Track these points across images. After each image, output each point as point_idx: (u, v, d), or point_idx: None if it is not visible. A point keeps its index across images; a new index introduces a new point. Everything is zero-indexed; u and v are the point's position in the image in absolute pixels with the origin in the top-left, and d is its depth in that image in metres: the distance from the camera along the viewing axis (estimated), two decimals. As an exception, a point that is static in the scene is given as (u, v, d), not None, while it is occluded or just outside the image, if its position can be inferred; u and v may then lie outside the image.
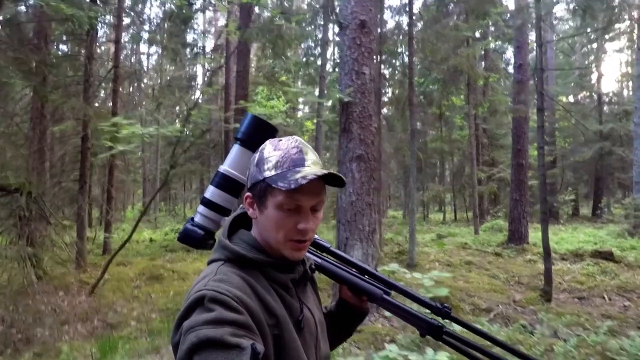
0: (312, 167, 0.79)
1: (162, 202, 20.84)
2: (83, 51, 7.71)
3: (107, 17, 9.66)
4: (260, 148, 0.84)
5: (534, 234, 11.80)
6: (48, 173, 7.56)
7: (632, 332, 3.74)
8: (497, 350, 0.93)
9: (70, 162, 8.30)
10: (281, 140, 0.84)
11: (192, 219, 1.01)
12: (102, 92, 13.98)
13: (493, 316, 4.63)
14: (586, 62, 22.05)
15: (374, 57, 4.27)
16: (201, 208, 1.00)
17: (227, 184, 0.98)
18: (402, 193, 24.95)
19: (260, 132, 0.98)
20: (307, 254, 0.93)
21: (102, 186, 15.21)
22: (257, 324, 0.69)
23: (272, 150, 0.81)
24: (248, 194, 0.83)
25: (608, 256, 8.11)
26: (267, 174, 0.78)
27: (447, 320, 0.95)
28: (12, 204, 5.12)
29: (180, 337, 0.67)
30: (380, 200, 12.04)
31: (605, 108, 21.33)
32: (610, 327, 3.79)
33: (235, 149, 1.01)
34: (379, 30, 9.19)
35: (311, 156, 0.81)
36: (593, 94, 19.39)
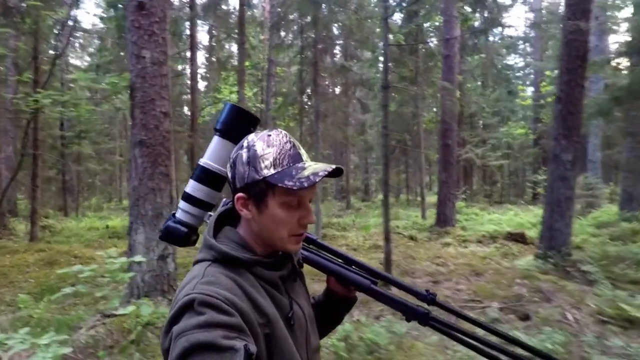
0: (310, 161, 0.79)
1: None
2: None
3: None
4: (247, 144, 0.78)
5: (480, 216, 11.44)
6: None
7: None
8: (480, 332, 0.97)
9: None
10: (270, 135, 0.79)
11: (174, 215, 0.96)
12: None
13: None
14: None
15: (160, 39, 4.17)
16: (182, 204, 0.95)
17: (208, 177, 0.93)
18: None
19: (240, 122, 0.93)
20: None
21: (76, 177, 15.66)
22: (248, 324, 0.68)
23: (265, 147, 0.76)
24: (241, 194, 0.77)
25: (519, 238, 7.82)
26: (266, 172, 0.75)
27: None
28: None
29: (170, 342, 0.64)
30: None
31: None
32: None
33: (215, 140, 0.94)
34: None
35: (302, 149, 0.80)
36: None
